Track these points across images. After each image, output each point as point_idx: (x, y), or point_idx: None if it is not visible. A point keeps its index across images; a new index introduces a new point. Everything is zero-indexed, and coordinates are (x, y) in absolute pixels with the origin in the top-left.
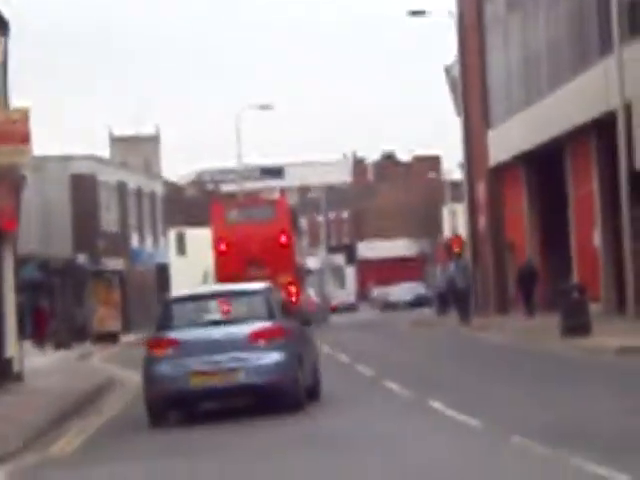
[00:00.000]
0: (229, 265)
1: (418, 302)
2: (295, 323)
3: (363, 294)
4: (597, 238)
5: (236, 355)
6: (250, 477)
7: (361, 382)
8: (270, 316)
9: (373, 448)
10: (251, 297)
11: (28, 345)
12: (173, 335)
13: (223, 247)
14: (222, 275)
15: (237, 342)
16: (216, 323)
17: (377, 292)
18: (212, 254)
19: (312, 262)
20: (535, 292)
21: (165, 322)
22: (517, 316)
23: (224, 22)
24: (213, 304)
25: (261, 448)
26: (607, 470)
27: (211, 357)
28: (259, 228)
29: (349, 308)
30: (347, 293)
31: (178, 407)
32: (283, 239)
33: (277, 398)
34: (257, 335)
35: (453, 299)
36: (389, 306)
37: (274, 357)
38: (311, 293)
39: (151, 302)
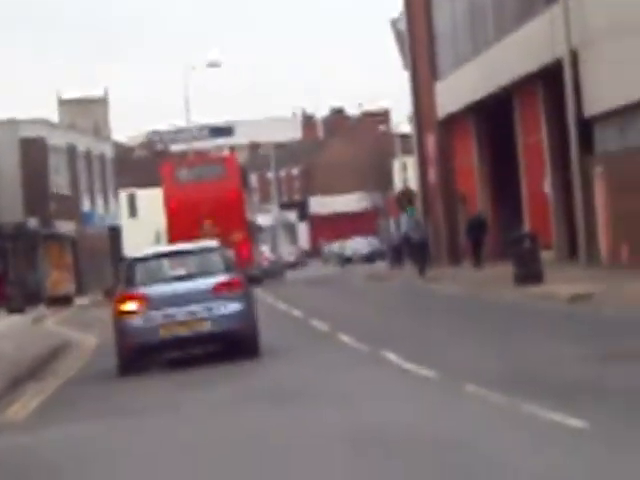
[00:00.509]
0: (181, 224)
1: (373, 256)
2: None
3: (316, 249)
4: (547, 186)
5: (202, 306)
6: (202, 435)
7: (316, 336)
8: (227, 270)
9: (327, 399)
10: (209, 253)
11: None
12: (142, 290)
13: (174, 206)
14: (174, 234)
15: (202, 294)
16: (180, 278)
17: (331, 247)
18: (164, 214)
19: (264, 219)
20: (484, 243)
21: (131, 279)
22: (469, 267)
23: None
24: (174, 261)
25: (216, 402)
26: (561, 416)
27: (179, 309)
28: (209, 186)
29: (293, 265)
30: (289, 251)
31: (150, 356)
32: (233, 196)
33: (239, 344)
34: (220, 287)
35: (408, 252)
36: (345, 260)
37: (236, 307)
38: (265, 249)
39: (104, 264)
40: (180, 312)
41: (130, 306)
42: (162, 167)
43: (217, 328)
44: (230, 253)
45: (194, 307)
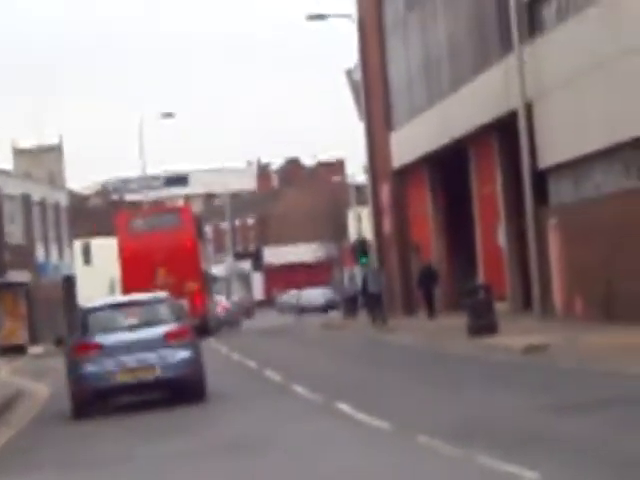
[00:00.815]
0: (135, 274)
1: (328, 306)
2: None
3: (270, 299)
4: (501, 238)
5: (152, 354)
6: None
7: (269, 387)
8: (177, 319)
9: (280, 451)
10: (159, 304)
11: None
12: (96, 339)
13: (128, 256)
14: (129, 284)
15: (153, 342)
16: (132, 327)
17: (286, 297)
18: (118, 264)
19: (219, 269)
20: (435, 294)
21: (86, 328)
22: (423, 317)
23: (127, 31)
24: (126, 311)
25: (170, 453)
26: (516, 467)
27: (132, 356)
28: (164, 236)
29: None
30: (229, 302)
31: (103, 400)
32: (188, 246)
33: (187, 389)
34: (169, 336)
35: (365, 302)
36: (300, 310)
37: (184, 354)
38: (222, 299)
39: (58, 314)
40: (132, 359)
41: (85, 353)
42: (117, 217)
43: (167, 374)
44: (181, 303)
45: (145, 354)
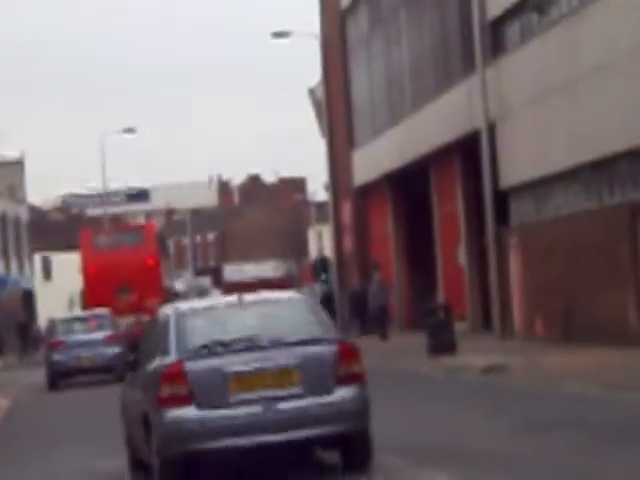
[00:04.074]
0: (98, 291)
1: None
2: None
3: None
4: (462, 257)
5: (98, 349)
6: None
7: None
8: (112, 328)
9: None
10: (102, 317)
11: None
12: (62, 338)
13: (91, 273)
14: (91, 300)
15: (99, 341)
16: (86, 331)
17: None
18: (81, 280)
19: (179, 284)
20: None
21: (55, 331)
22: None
23: (87, 42)
24: (82, 321)
25: None
26: None
27: (84, 350)
28: (127, 253)
29: None
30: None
31: (68, 377)
32: (150, 264)
33: (112, 373)
34: (109, 338)
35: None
36: None
37: (116, 349)
38: None
39: (17, 328)
40: (85, 352)
41: (55, 347)
42: (80, 233)
43: (104, 362)
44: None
45: (94, 349)
